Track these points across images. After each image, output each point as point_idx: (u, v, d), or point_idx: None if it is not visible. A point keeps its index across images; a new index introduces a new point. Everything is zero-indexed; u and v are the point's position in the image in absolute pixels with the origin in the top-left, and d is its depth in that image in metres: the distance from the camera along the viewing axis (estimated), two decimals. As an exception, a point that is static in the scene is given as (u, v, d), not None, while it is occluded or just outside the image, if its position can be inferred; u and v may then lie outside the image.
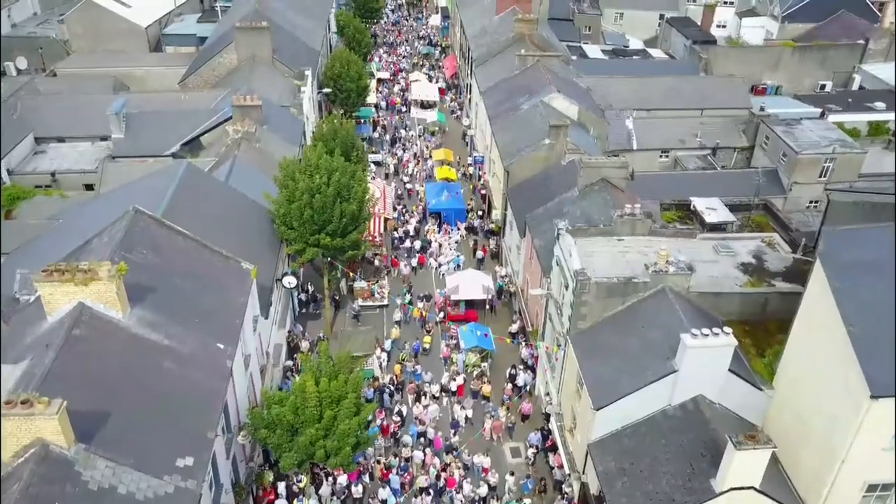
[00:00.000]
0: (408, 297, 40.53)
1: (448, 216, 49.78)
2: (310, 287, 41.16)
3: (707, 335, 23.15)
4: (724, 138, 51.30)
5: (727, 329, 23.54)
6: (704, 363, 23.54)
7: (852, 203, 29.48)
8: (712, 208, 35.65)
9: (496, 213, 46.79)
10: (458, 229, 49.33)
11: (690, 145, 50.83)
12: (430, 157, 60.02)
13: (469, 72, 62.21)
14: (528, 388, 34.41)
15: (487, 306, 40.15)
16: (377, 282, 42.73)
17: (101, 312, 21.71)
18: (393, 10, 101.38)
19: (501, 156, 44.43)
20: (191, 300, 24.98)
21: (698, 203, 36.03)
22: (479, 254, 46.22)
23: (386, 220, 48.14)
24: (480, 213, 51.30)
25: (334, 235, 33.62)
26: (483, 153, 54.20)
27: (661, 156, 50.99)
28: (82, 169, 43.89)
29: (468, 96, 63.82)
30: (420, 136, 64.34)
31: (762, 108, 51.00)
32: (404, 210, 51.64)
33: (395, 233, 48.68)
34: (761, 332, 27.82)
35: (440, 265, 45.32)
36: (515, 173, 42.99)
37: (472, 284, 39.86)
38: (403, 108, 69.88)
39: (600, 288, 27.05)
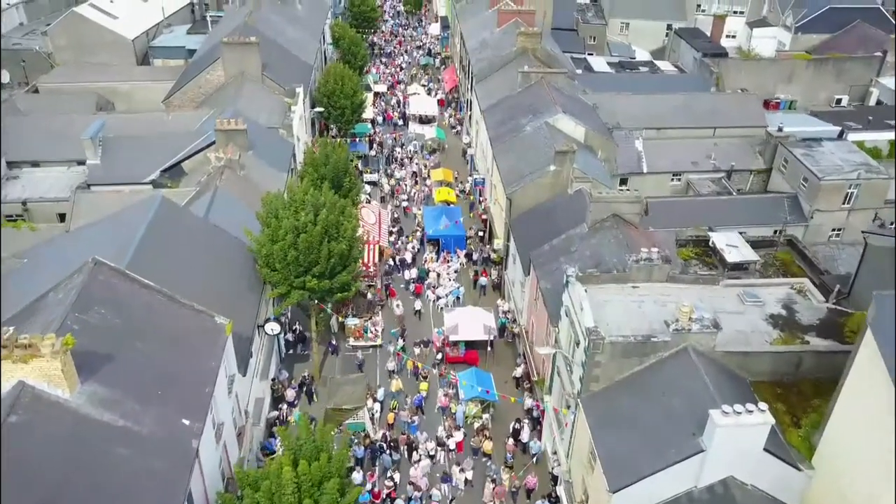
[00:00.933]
0: (401, 342, 37.49)
1: (447, 243, 46.91)
2: (298, 326, 38.29)
3: (740, 413, 20.27)
4: (739, 160, 48.43)
5: (762, 405, 20.65)
6: (736, 443, 20.67)
7: (891, 248, 26.56)
8: (733, 245, 32.80)
9: (498, 243, 43.90)
10: (458, 257, 46.48)
11: (704, 168, 47.95)
12: (429, 176, 57.23)
13: (469, 87, 59.37)
14: (534, 456, 31.13)
15: (489, 347, 37.23)
16: (370, 318, 39.88)
17: (44, 392, 18.87)
18: (392, 17, 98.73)
19: (503, 182, 41.59)
20: (154, 367, 22.11)
21: (718, 239, 33.18)
22: (482, 279, 43.44)
23: (381, 248, 45.34)
24: (481, 235, 48.44)
25: (322, 277, 30.78)
26: (484, 175, 51.37)
27: (672, 179, 48.10)
28: (56, 197, 41.02)
29: (468, 112, 60.98)
30: (417, 153, 61.60)
31: (780, 129, 48.09)
32: (400, 235, 48.76)
33: (390, 261, 45.88)
34: (795, 395, 24.95)
35: (438, 298, 42.47)
36: (519, 202, 40.17)
37: (473, 323, 36.99)
38: (401, 123, 67.15)
39: (615, 348, 24.19)
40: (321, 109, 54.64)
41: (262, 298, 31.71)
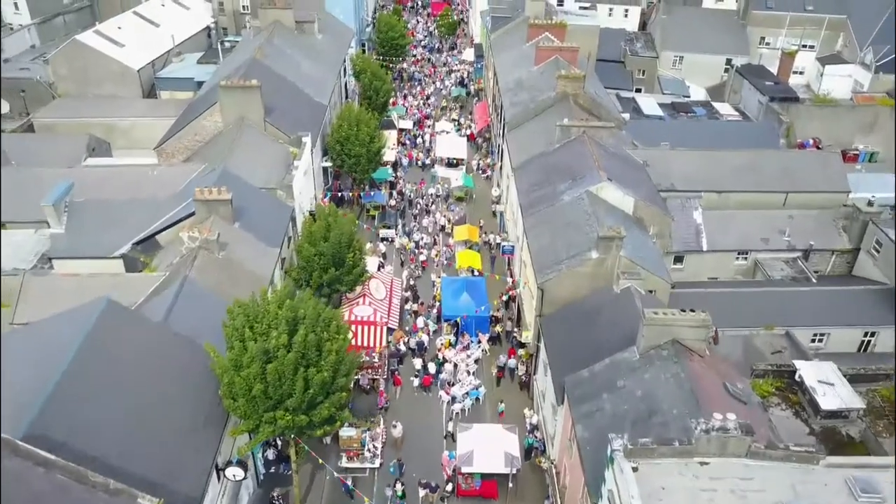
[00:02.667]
0: (400, 487, 30.57)
1: (467, 325, 40.18)
2: (278, 441, 31.92)
3: None
4: (818, 237, 40.74)
5: None
6: None
7: None
8: (827, 383, 25.52)
9: (527, 336, 36.98)
10: (479, 342, 39.73)
11: (776, 245, 40.37)
12: (452, 233, 50.67)
13: (501, 133, 52.65)
14: None
15: (510, 481, 30.26)
16: (370, 426, 33.33)
17: None
18: (424, 37, 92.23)
19: (535, 266, 34.74)
20: None
21: (807, 374, 25.90)
22: (511, 361, 37.02)
23: (389, 329, 38.94)
24: (510, 319, 41.67)
25: (297, 412, 24.36)
26: (514, 243, 44.57)
27: (738, 258, 40.63)
28: (15, 268, 35.43)
29: (500, 162, 54.19)
30: (441, 198, 55.09)
31: (870, 203, 40.30)
32: (416, 315, 42.12)
33: (401, 345, 39.42)
34: None
35: (453, 400, 35.77)
36: (552, 292, 33.33)
37: (492, 451, 30.06)
38: (427, 162, 60.89)
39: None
40: (328, 164, 48.57)
41: (225, 433, 25.41)
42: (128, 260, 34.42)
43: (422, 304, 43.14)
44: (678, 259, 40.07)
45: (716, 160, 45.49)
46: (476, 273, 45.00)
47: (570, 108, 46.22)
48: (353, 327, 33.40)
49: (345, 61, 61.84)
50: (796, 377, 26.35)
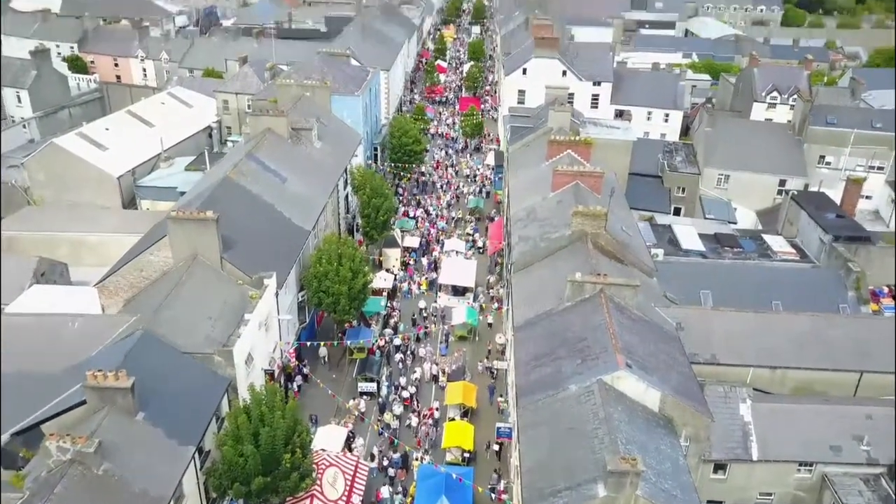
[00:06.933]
0: None
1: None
2: None
3: None
4: (907, 447, 31.16)
5: None
6: None
7: None
8: None
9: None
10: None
11: (850, 457, 30.84)
12: (445, 385, 42.58)
13: (507, 275, 44.85)
14: None
15: None
16: None
17: None
18: (443, 139, 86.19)
19: (524, 493, 26.08)
20: None
21: None
22: None
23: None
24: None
25: None
26: (511, 426, 36.00)
27: (799, 469, 31.16)
28: None
29: (506, 306, 46.08)
30: (436, 344, 47.34)
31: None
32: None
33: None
34: None
35: None
36: (544, 534, 24.50)
37: None
38: (424, 291, 53.56)
39: None
40: (303, 300, 41.32)
41: None
42: (5, 455, 27.05)
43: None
44: (719, 467, 30.86)
45: (768, 324, 36.82)
46: (464, 456, 36.41)
47: (586, 252, 38.24)
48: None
49: (346, 172, 55.58)
50: None
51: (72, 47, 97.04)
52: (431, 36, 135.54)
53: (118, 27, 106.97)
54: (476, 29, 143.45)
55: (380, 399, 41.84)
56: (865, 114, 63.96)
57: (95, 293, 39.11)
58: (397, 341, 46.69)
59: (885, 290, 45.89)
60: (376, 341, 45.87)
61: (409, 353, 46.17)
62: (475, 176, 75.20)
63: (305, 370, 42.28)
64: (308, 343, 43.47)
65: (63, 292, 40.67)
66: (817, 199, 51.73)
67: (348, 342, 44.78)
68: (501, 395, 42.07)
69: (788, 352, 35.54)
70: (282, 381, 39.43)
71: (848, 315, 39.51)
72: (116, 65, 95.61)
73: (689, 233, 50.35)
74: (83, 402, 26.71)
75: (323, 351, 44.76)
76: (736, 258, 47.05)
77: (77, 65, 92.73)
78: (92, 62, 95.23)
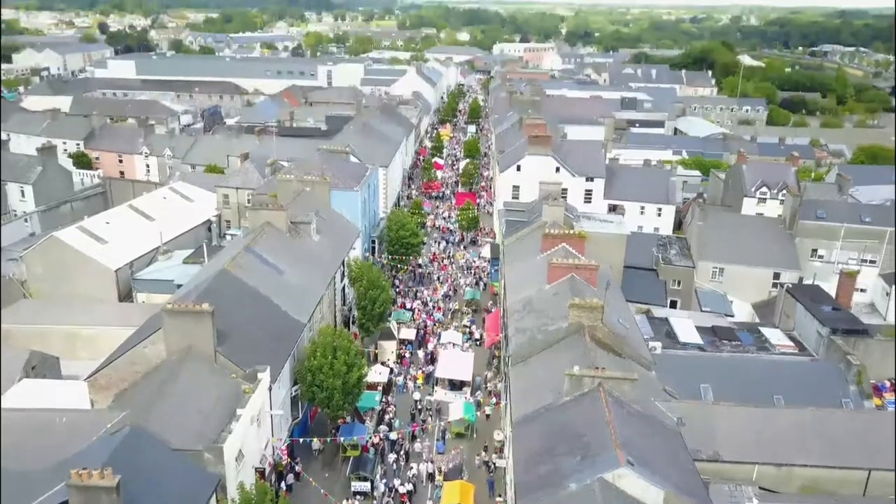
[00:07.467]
0: None
1: None
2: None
3: None
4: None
5: None
6: None
7: None
8: None
9: None
10: None
11: (864, 560, 29.65)
12: (441, 485, 41.13)
13: (505, 369, 44.39)
14: None
15: None
16: None
17: None
18: (440, 233, 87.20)
19: None
20: None
21: None
22: None
23: None
24: None
25: None
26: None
27: (811, 575, 29.89)
28: None
29: (504, 401, 45.32)
30: (434, 436, 46.22)
31: None
32: None
33: None
34: None
35: None
36: None
37: None
38: (420, 385, 52.71)
39: None
40: (295, 392, 40.61)
41: None
42: (-21, 559, 25.79)
43: None
44: None
45: (772, 419, 36.14)
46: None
47: (584, 345, 37.97)
48: None
49: (343, 264, 55.92)
50: None
51: (78, 144, 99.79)
52: (429, 134, 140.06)
53: (124, 125, 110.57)
54: (472, 128, 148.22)
55: (374, 499, 40.38)
56: (854, 208, 65.32)
57: (85, 387, 38.44)
58: (393, 436, 45.57)
59: (888, 384, 45.32)
60: (370, 438, 44.80)
61: (402, 452, 44.83)
62: (471, 267, 75.67)
63: (297, 468, 40.99)
64: (300, 440, 42.33)
65: (52, 386, 40.10)
66: (812, 292, 51.95)
67: (341, 439, 43.68)
68: (500, 496, 40.67)
69: (793, 448, 34.70)
70: (272, 480, 38.14)
71: (852, 410, 38.85)
72: (121, 161, 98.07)
73: (686, 325, 50.21)
74: (65, 503, 25.74)
75: (316, 444, 43.65)
76: (734, 351, 46.72)
77: (82, 161, 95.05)
78: (97, 158, 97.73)
